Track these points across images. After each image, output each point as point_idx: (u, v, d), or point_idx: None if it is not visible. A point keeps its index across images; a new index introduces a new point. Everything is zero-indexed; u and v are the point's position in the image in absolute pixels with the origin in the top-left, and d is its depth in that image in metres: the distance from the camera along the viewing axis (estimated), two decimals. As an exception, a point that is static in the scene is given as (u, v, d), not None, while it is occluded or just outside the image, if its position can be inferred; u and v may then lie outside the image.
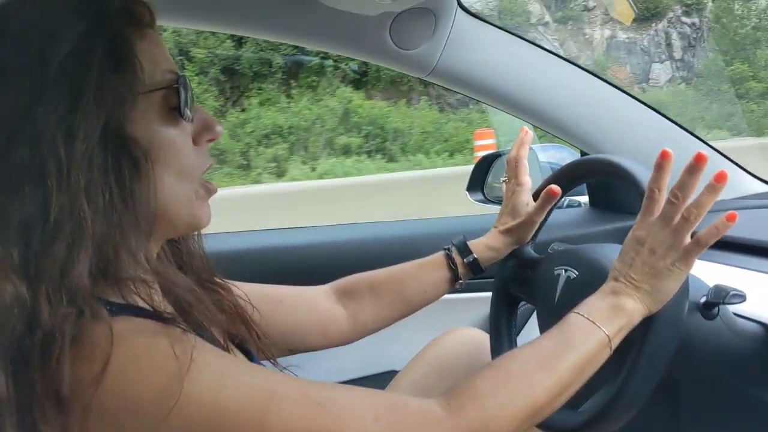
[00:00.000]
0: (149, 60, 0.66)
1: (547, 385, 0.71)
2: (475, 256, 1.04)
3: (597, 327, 0.75)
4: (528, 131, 1.06)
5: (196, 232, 0.79)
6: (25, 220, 0.57)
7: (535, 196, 1.06)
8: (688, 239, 0.78)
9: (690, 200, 0.77)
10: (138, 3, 0.68)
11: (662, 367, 0.79)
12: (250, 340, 0.83)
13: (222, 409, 0.58)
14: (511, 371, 0.71)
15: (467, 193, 1.62)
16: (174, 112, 0.67)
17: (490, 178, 1.61)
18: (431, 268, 1.05)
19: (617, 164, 0.89)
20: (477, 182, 1.60)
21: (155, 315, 0.62)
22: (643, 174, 0.85)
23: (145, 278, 0.63)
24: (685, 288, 0.80)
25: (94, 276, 0.59)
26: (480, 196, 1.60)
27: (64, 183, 0.58)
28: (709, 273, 0.97)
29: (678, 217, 0.77)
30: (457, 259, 1.04)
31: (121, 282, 0.62)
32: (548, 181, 1.05)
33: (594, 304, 0.78)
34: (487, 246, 1.06)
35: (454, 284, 1.05)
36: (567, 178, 1.03)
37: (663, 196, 0.79)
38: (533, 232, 1.07)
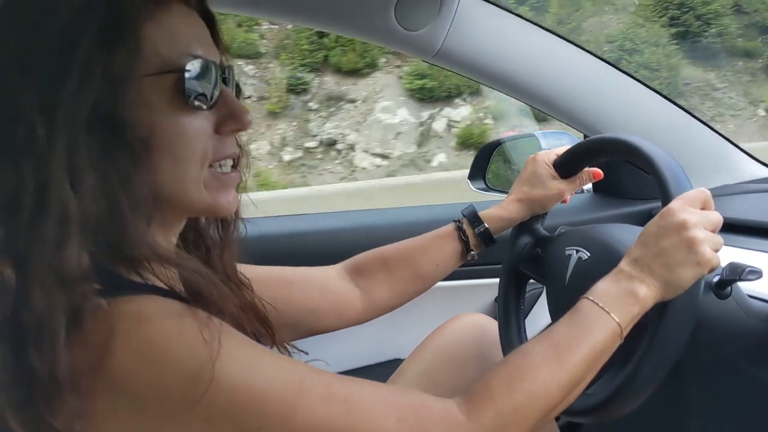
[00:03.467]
0: (165, 40, 0.62)
1: (561, 382, 0.70)
2: (486, 226, 1.02)
3: (609, 316, 0.73)
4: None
5: (233, 223, 0.78)
6: (9, 197, 0.55)
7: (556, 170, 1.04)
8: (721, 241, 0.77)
9: None
10: None
11: (676, 354, 0.77)
12: (266, 336, 0.81)
13: (249, 399, 0.57)
14: (525, 370, 0.70)
15: (469, 181, 1.60)
16: (186, 96, 0.63)
17: (491, 166, 1.60)
18: (442, 240, 1.03)
19: (637, 146, 0.87)
20: (479, 170, 1.59)
21: (178, 296, 0.61)
22: (662, 157, 0.83)
23: (161, 260, 0.61)
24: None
25: (111, 255, 0.58)
26: (482, 185, 1.58)
27: (43, 163, 0.55)
28: (720, 254, 0.96)
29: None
30: (468, 230, 1.03)
31: (136, 262, 0.60)
32: (570, 154, 1.02)
33: (607, 290, 0.75)
34: (499, 216, 1.04)
35: (466, 256, 1.04)
36: (582, 156, 1.01)
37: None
38: (554, 205, 1.05)
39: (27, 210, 0.55)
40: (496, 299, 1.41)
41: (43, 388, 0.53)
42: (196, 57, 0.64)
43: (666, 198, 0.80)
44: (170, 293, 0.61)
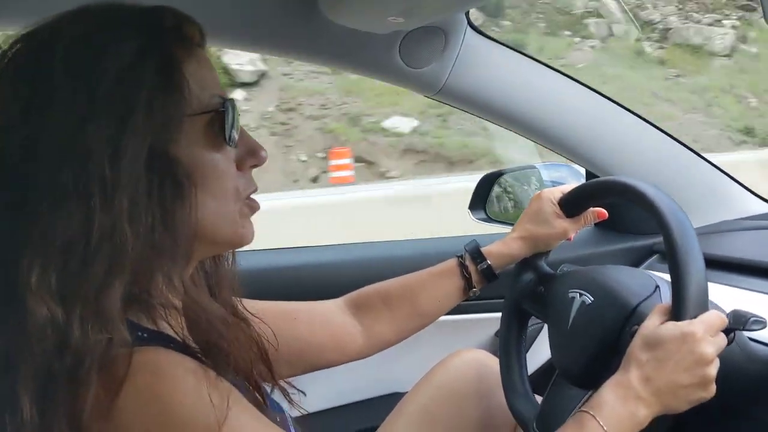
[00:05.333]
0: (197, 81, 0.64)
1: None
2: (489, 262, 1.02)
3: None
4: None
5: (229, 257, 0.78)
6: (67, 239, 0.56)
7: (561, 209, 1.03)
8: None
9: None
10: (189, 22, 0.67)
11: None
12: (267, 375, 0.80)
13: None
14: None
15: (469, 211, 1.60)
16: (218, 136, 0.66)
17: (492, 197, 1.60)
18: (444, 276, 1.03)
19: (643, 192, 0.87)
20: (479, 201, 1.59)
21: (190, 349, 0.61)
22: (666, 203, 0.83)
23: (176, 305, 0.62)
24: None
25: (128, 300, 0.58)
26: (482, 215, 1.58)
27: (107, 204, 0.57)
28: (719, 295, 0.96)
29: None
30: (471, 266, 1.02)
31: (152, 307, 0.61)
32: (576, 194, 1.02)
33: (613, 411, 0.74)
34: (501, 253, 1.03)
35: (468, 293, 1.03)
36: (587, 196, 1.02)
37: None
38: (557, 244, 1.05)
39: (81, 251, 0.56)
40: (496, 333, 1.40)
41: (64, 425, 0.54)
42: (221, 97, 0.67)
43: (683, 306, 0.78)
44: (182, 346, 0.61)
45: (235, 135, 0.68)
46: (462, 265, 1.02)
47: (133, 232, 0.57)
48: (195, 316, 0.70)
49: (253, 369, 0.77)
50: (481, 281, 1.03)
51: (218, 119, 0.65)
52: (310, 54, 1.13)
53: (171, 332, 0.62)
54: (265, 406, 0.78)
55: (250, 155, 0.70)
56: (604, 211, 1.04)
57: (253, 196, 0.72)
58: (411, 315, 1.02)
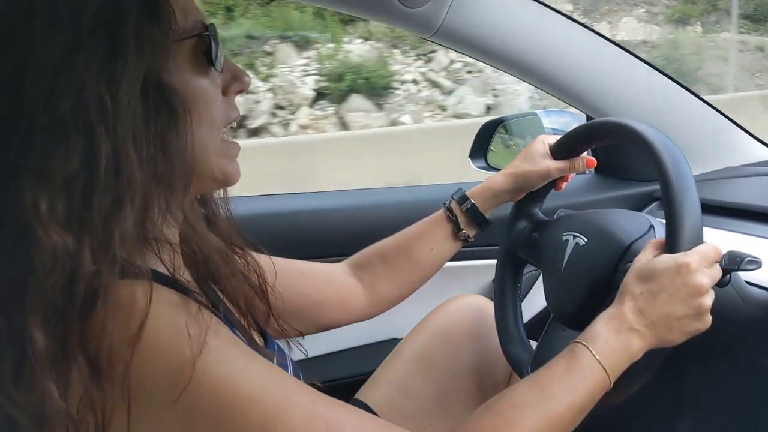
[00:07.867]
0: (180, 8, 0.63)
1: None
2: (473, 201, 1.03)
3: (604, 372, 0.72)
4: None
5: (220, 196, 0.78)
6: (70, 172, 0.55)
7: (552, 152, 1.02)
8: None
9: None
10: None
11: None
12: (265, 318, 0.81)
13: (232, 403, 0.57)
14: (510, 419, 0.68)
15: (470, 159, 1.59)
16: (205, 61, 0.66)
17: (493, 145, 1.58)
18: (433, 224, 1.04)
19: (632, 129, 0.85)
20: (480, 149, 1.57)
21: (175, 284, 0.60)
22: (657, 137, 0.81)
23: (170, 240, 0.61)
24: None
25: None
26: (482, 163, 1.57)
27: (111, 132, 0.55)
28: (719, 240, 0.95)
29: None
30: (455, 208, 1.03)
31: (146, 242, 0.60)
32: (565, 141, 1.01)
33: (607, 342, 0.73)
34: (484, 188, 1.04)
35: (459, 237, 1.04)
36: (579, 139, 1.00)
37: None
38: (542, 185, 1.04)
39: (86, 181, 0.55)
40: (494, 280, 1.41)
41: (79, 366, 0.53)
42: (203, 23, 0.66)
43: (677, 238, 0.77)
44: (170, 280, 0.61)
45: (221, 59, 0.68)
46: (448, 209, 1.04)
47: (138, 159, 0.57)
48: (191, 249, 0.70)
49: (250, 304, 0.78)
50: (470, 223, 1.04)
51: (203, 44, 0.65)
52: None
53: (161, 268, 0.61)
54: (264, 346, 0.80)
55: (236, 80, 0.70)
56: (593, 159, 1.02)
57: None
58: (408, 268, 1.03)
